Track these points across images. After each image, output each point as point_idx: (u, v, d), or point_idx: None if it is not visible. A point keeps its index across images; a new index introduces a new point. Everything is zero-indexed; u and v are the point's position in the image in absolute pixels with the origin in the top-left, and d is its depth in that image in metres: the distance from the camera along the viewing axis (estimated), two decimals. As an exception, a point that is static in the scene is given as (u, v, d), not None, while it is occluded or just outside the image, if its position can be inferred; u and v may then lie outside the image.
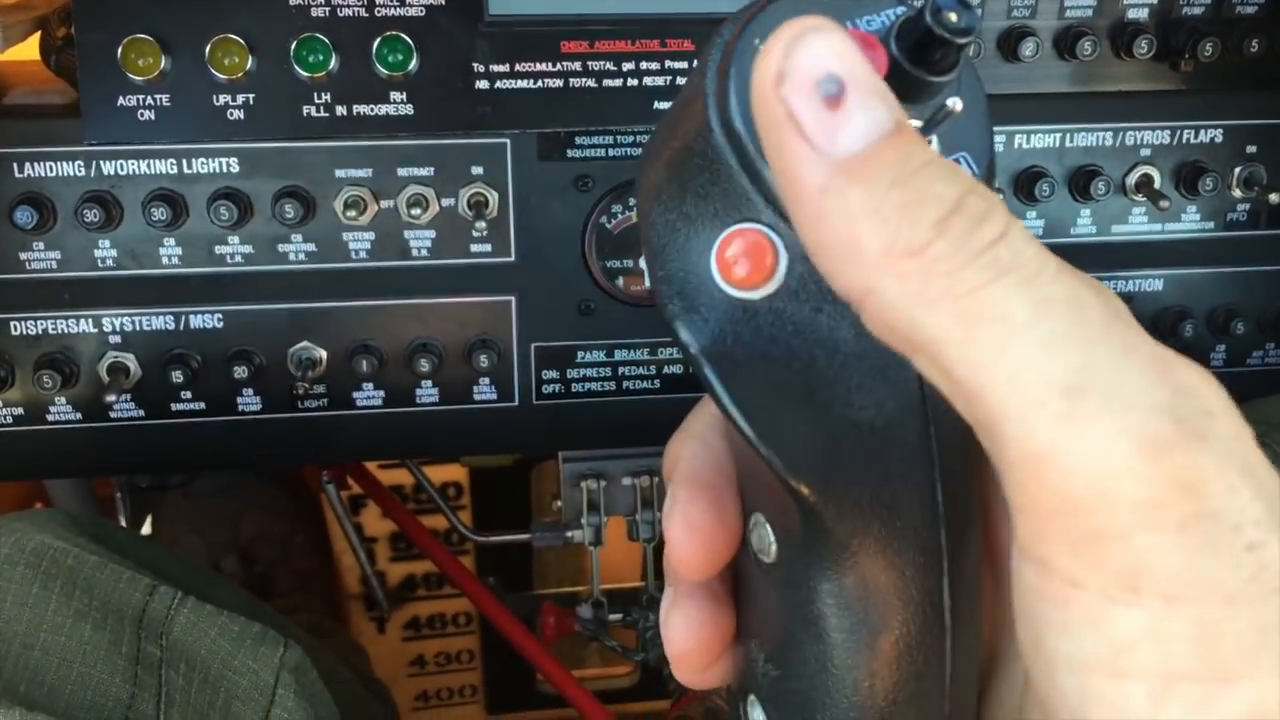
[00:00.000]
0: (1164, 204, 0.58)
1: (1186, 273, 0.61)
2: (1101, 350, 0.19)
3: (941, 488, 0.25)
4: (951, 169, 0.21)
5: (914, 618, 0.25)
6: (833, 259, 0.21)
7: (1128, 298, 0.60)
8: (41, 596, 0.45)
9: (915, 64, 0.24)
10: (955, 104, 0.23)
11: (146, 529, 0.95)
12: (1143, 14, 0.57)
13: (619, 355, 0.58)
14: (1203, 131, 0.59)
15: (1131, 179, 0.58)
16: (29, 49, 0.56)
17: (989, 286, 0.19)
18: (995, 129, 0.26)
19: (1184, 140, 0.59)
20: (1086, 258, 0.59)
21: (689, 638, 0.28)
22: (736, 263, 0.24)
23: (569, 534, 0.75)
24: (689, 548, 0.27)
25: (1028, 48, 0.55)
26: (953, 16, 0.22)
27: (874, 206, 0.20)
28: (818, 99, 0.20)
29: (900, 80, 0.24)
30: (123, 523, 0.90)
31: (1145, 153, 0.59)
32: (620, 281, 0.57)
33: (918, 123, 0.24)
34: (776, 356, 0.24)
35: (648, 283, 0.57)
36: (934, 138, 0.24)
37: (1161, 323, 0.61)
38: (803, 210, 0.21)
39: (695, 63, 0.54)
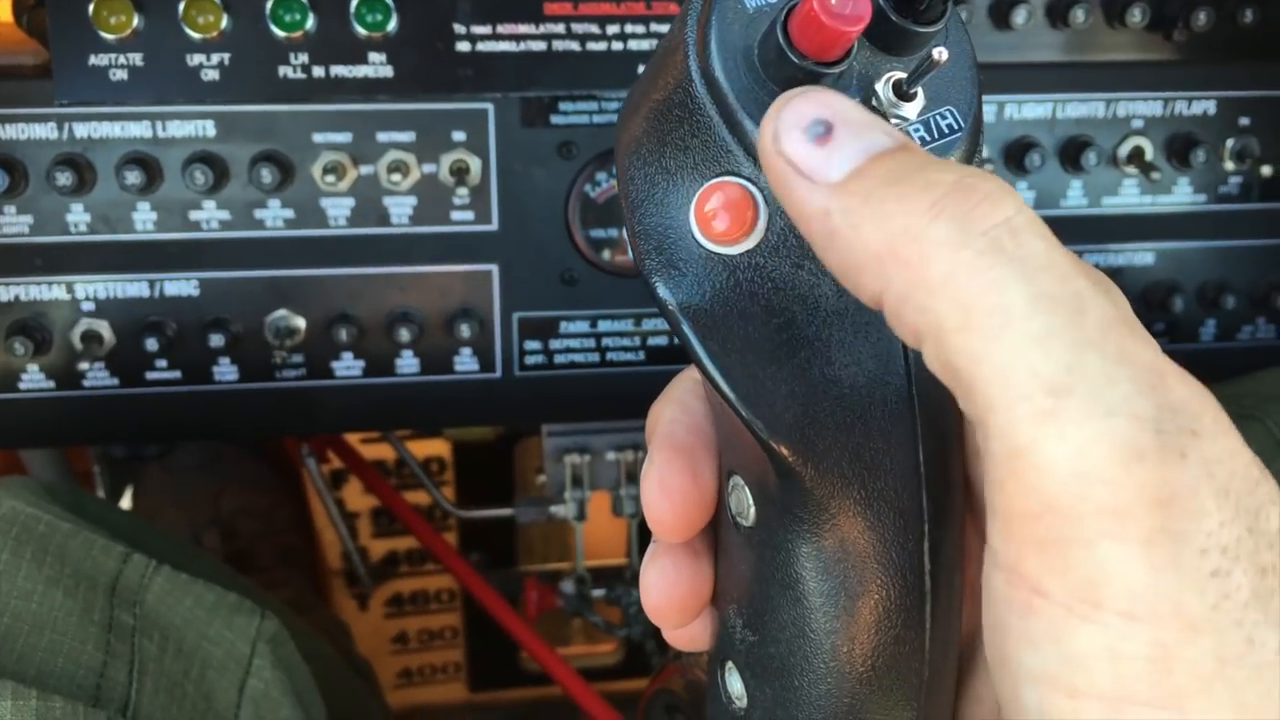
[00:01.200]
0: (1155, 176, 0.57)
1: (1177, 246, 0.60)
2: (1093, 352, 0.19)
3: (923, 450, 0.24)
4: (955, 164, 0.21)
5: (893, 582, 0.24)
6: (852, 275, 0.21)
7: (1117, 271, 0.60)
8: (11, 563, 0.44)
9: (900, 13, 0.23)
10: (941, 54, 0.22)
11: (126, 502, 0.94)
12: (1136, -18, 0.56)
13: (603, 326, 0.57)
14: (1195, 103, 0.58)
15: (1123, 150, 0.58)
16: (1, 10, 0.54)
17: (988, 272, 0.19)
18: (985, 99, 0.26)
19: (1176, 112, 0.58)
20: (1077, 230, 0.59)
21: (662, 593, 0.29)
22: (716, 217, 0.24)
23: (553, 509, 0.74)
24: (662, 510, 0.27)
25: (1020, 15, 0.54)
26: None
27: (874, 208, 0.20)
28: (807, 141, 0.21)
29: (885, 29, 0.23)
30: (101, 496, 0.89)
31: (1137, 124, 0.58)
32: (604, 252, 0.56)
33: (901, 74, 0.23)
34: (756, 314, 0.24)
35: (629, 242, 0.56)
36: (919, 90, 0.24)
37: (1151, 296, 0.60)
38: (817, 241, 0.22)
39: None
